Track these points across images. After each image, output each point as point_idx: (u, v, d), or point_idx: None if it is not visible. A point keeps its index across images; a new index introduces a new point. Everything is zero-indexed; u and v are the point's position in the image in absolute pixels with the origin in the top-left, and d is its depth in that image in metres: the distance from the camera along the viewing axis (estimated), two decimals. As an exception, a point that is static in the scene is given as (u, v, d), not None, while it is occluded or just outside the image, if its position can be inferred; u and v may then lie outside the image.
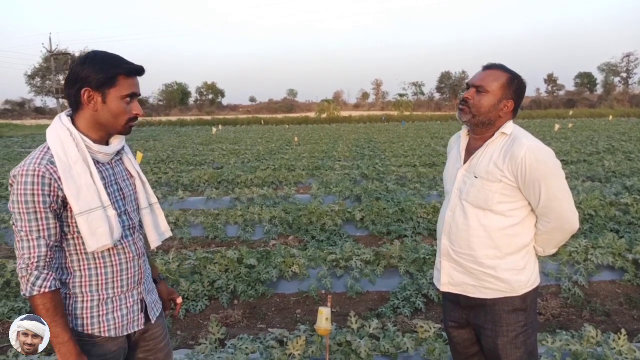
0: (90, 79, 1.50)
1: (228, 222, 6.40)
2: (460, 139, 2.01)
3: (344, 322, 3.57)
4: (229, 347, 3.10)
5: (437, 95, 76.66)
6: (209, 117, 46.40)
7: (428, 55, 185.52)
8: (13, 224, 1.49)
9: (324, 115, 43.07)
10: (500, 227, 1.84)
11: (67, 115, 1.59)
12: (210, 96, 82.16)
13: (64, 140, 1.52)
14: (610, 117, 33.90)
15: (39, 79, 57.10)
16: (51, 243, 1.50)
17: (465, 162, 1.94)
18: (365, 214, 6.32)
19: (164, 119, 45.72)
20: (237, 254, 4.59)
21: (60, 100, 48.15)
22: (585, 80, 70.62)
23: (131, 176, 1.74)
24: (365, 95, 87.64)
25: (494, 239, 1.84)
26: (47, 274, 1.48)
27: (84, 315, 1.59)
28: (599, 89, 69.09)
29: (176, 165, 12.36)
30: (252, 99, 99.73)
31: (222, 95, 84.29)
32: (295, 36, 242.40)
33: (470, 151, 1.94)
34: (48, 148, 1.52)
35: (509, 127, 1.85)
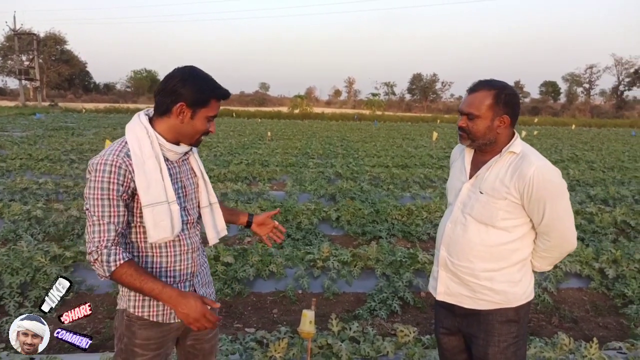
0: (187, 96, 1.64)
1: (202, 217, 6.29)
2: (464, 152, 2.01)
3: (321, 323, 3.58)
4: (207, 347, 3.04)
5: (408, 96, 77.64)
6: (178, 107, 45.35)
7: (400, 55, 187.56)
8: (86, 209, 1.60)
9: (296, 111, 42.93)
10: (501, 242, 1.86)
11: (146, 115, 1.73)
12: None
13: (140, 138, 1.65)
14: (573, 126, 35.08)
15: (0, 59, 54.70)
16: (119, 229, 1.61)
17: (471, 176, 1.95)
18: (341, 214, 6.35)
19: (132, 106, 44.45)
20: (214, 251, 4.53)
21: (24, 82, 46.32)
22: (550, 89, 72.84)
23: (195, 175, 1.86)
24: (337, 92, 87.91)
25: (493, 253, 1.87)
26: (116, 249, 1.59)
27: (137, 298, 1.71)
28: (562, 98, 71.47)
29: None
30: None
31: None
32: (269, 29, 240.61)
33: (476, 165, 1.95)
34: (126, 142, 1.65)
35: (518, 145, 1.86)
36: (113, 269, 1.56)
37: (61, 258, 4.38)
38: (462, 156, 2.03)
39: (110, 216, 1.58)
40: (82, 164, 10.48)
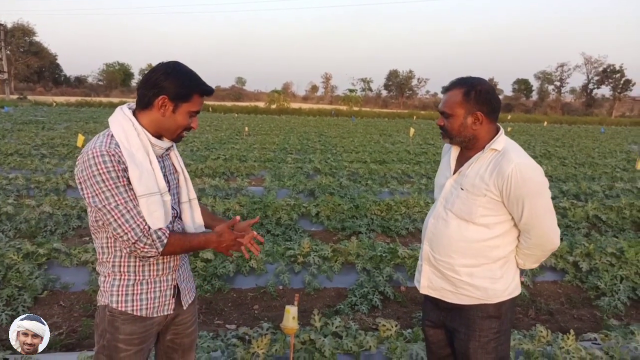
0: (170, 90, 1.63)
1: (180, 213, 6.20)
2: (451, 148, 2.02)
3: (302, 318, 3.57)
4: (188, 345, 3.00)
5: (384, 93, 78.05)
6: (153, 101, 44.42)
7: (377, 51, 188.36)
8: (103, 205, 1.56)
9: (273, 106, 42.72)
10: (481, 239, 1.87)
11: (129, 108, 1.71)
12: (154, 79, 78.95)
13: (126, 129, 1.63)
14: (545, 123, 35.84)
15: (-36, 49, 52.71)
16: (141, 210, 1.62)
17: (455, 172, 1.96)
18: (321, 210, 6.34)
19: (104, 100, 43.41)
20: (193, 247, 4.46)
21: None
22: (523, 86, 74.24)
23: (176, 171, 1.85)
24: (314, 88, 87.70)
25: (473, 249, 1.88)
26: (155, 227, 1.63)
27: (120, 293, 1.71)
28: (535, 96, 72.95)
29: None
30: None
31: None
32: (245, 23, 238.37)
33: (461, 161, 1.95)
34: (112, 135, 1.62)
35: (501, 142, 1.86)
36: (165, 241, 1.63)
37: (34, 255, 4.25)
38: (449, 152, 2.04)
39: (131, 200, 1.58)
40: (53, 159, 10.19)
